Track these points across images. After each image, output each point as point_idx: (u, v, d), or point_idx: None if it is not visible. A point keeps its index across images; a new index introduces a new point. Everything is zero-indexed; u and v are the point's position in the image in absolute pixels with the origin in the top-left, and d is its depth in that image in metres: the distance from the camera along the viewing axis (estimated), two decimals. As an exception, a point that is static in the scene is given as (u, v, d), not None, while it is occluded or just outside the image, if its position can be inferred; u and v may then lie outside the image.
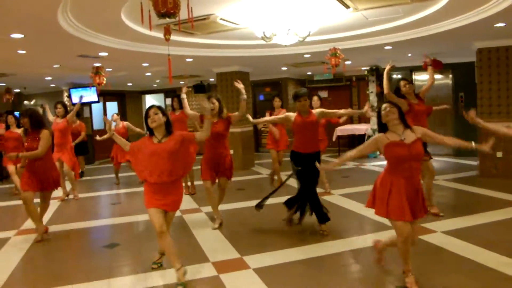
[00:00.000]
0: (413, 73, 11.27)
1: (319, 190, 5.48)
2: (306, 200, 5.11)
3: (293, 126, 4.99)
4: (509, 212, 5.53)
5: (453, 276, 3.64)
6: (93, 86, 8.61)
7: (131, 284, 3.75)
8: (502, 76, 7.81)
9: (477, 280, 3.52)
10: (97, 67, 8.03)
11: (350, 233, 4.97)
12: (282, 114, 5.82)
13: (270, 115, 7.46)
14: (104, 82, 8.19)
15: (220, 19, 5.83)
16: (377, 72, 11.56)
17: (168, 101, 15.79)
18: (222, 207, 6.42)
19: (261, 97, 14.05)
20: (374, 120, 11.51)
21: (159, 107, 3.70)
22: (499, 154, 7.81)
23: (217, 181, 5.49)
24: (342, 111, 5.33)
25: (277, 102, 7.69)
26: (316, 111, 5.10)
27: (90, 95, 12.54)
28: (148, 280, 3.79)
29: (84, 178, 10.00)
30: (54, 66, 8.68)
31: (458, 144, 3.55)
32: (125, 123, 9.08)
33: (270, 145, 7.80)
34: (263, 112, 13.82)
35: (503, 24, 6.18)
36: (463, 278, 3.58)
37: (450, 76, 10.81)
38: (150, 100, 16.06)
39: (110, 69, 9.57)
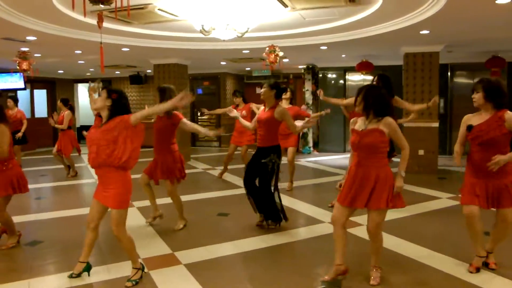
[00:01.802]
0: (347, 73, 11.73)
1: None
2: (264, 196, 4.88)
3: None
4: (428, 205, 5.98)
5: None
6: (18, 72, 8.06)
7: (53, 284, 3.57)
8: (425, 79, 8.38)
9: (399, 270, 3.76)
10: (24, 52, 7.54)
11: (283, 227, 5.09)
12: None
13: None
14: (31, 68, 7.71)
15: (158, 9, 5.69)
16: (313, 70, 11.90)
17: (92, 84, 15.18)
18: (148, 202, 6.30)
19: (199, 91, 13.93)
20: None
21: (105, 88, 3.50)
22: (421, 152, 8.38)
23: None
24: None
25: (238, 98, 7.74)
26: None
27: (15, 81, 11.75)
28: (72, 279, 3.63)
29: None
30: (-26, 48, 8.01)
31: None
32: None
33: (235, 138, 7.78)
34: (201, 105, 13.74)
35: (427, 32, 6.63)
36: (386, 268, 3.80)
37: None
38: (83, 89, 15.33)
39: (39, 55, 9.04)
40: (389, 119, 3.33)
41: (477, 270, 3.69)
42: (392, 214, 5.46)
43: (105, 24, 6.45)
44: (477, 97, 3.55)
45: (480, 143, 3.51)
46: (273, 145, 4.79)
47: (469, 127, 3.58)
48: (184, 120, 4.88)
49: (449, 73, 10.71)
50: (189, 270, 3.76)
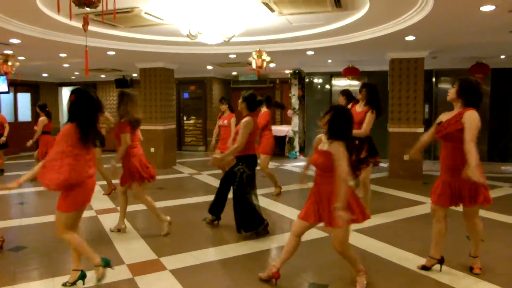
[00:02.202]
0: (333, 78, 11.81)
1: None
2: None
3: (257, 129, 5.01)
4: (413, 210, 6.02)
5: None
6: (1, 75, 7.92)
7: (37, 290, 3.51)
8: (410, 85, 8.47)
9: (384, 275, 3.77)
10: (6, 54, 7.42)
11: (270, 232, 5.08)
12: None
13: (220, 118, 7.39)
14: (13, 71, 7.58)
15: (145, 13, 5.65)
16: (299, 75, 11.95)
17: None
18: (139, 206, 6.26)
19: (186, 95, 13.88)
20: (295, 121, 11.91)
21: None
22: (406, 158, 8.45)
23: None
24: None
25: (223, 106, 7.43)
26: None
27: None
28: (56, 284, 3.57)
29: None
30: (-45, 50, 7.84)
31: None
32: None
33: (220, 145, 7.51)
34: (187, 110, 13.72)
35: (412, 38, 6.71)
36: (371, 273, 3.82)
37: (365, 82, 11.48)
38: (68, 93, 15.13)
39: (23, 58, 8.89)
40: (336, 145, 3.23)
41: (423, 268, 3.78)
42: (376, 219, 5.51)
43: (91, 28, 6.39)
44: (451, 91, 3.61)
45: (440, 138, 3.61)
46: (243, 154, 4.81)
47: (439, 123, 3.66)
48: (122, 135, 4.83)
49: (434, 79, 10.86)
50: (175, 276, 3.72)
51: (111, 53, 8.16)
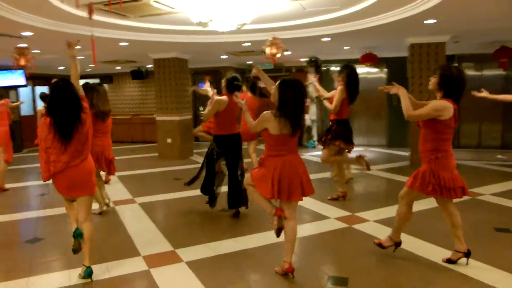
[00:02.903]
0: (350, 65, 11.55)
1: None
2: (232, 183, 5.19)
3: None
4: (433, 201, 5.80)
5: (384, 263, 3.74)
6: (17, 68, 7.94)
7: (53, 282, 3.49)
8: (432, 71, 8.15)
9: (407, 268, 3.64)
10: (21, 47, 7.42)
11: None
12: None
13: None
14: (30, 64, 7.59)
15: (154, 1, 5.55)
16: (315, 63, 11.73)
17: (104, 86, 15.07)
18: (157, 197, 6.25)
19: (201, 85, 13.76)
20: (313, 110, 11.73)
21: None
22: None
23: None
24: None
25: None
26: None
27: (17, 78, 11.67)
28: (72, 276, 3.55)
29: (10, 167, 9.25)
30: (-29, 45, 7.90)
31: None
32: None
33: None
34: (204, 100, 13.64)
35: (433, 21, 6.45)
36: (389, 266, 3.69)
37: (385, 70, 11.22)
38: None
39: (38, 51, 8.91)
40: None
41: (448, 261, 3.67)
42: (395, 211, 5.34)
43: (101, 18, 6.34)
44: (432, 82, 3.57)
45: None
46: (215, 134, 5.20)
47: None
48: None
49: (456, 65, 10.52)
50: (191, 268, 3.67)
51: (124, 43, 8.10)
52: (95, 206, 5.57)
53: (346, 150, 5.92)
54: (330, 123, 5.85)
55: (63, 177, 3.43)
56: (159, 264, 3.75)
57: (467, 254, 3.62)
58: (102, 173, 5.81)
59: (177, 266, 3.72)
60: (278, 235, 3.49)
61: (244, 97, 6.85)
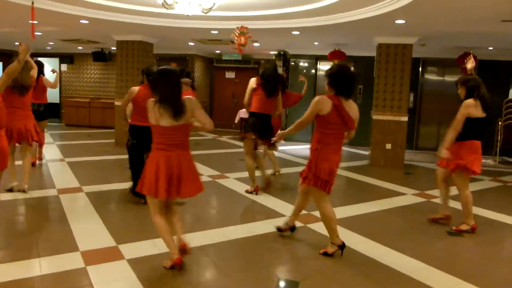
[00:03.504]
0: (318, 62, 11.47)
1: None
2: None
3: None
4: (393, 201, 5.79)
5: (339, 265, 3.61)
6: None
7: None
8: (397, 72, 8.18)
9: (355, 269, 3.52)
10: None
11: (242, 220, 4.79)
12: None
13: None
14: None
15: (115, -23, 5.20)
16: (284, 57, 11.57)
17: (64, 66, 14.38)
18: (107, 186, 5.94)
19: (167, 72, 13.38)
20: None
21: None
22: (388, 146, 8.24)
23: None
24: None
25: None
26: None
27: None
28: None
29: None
30: None
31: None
32: None
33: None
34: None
35: (402, 21, 6.39)
36: (342, 267, 3.57)
37: (352, 68, 11.18)
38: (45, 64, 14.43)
39: (-10, 23, 8.30)
40: None
41: (278, 230, 4.20)
42: (355, 209, 5.28)
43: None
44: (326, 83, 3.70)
45: None
46: (130, 124, 5.10)
47: None
48: None
49: (420, 68, 10.61)
50: (131, 266, 3.40)
51: (84, 21, 7.63)
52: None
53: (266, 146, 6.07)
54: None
55: None
56: (98, 261, 3.45)
57: (342, 247, 3.73)
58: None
59: (117, 263, 3.44)
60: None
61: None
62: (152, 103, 3.23)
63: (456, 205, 5.00)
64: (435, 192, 6.30)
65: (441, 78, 10.73)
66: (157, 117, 3.18)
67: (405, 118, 8.22)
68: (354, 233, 4.40)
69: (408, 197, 6.08)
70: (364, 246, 4.06)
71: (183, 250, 3.35)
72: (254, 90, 5.58)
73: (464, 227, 4.58)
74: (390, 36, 7.94)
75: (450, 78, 10.60)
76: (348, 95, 3.63)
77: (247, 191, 5.88)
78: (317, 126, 3.67)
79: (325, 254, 3.77)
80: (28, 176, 5.39)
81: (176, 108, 3.17)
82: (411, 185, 6.73)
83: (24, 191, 5.29)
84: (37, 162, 7.18)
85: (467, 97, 4.41)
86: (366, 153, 9.47)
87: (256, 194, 5.78)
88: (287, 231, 4.24)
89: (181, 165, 3.25)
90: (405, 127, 8.29)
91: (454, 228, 4.63)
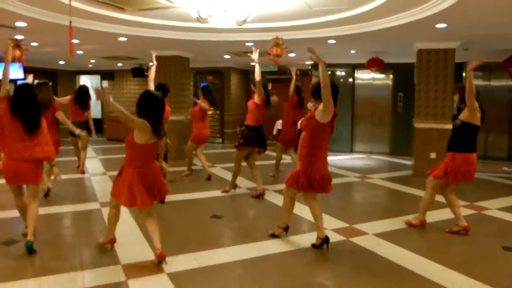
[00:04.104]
0: (356, 70, 11.26)
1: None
2: None
3: None
4: (439, 214, 5.50)
5: (378, 281, 3.44)
6: (13, 61, 7.69)
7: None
8: (439, 78, 7.88)
9: (401, 284, 3.34)
10: (14, 39, 7.18)
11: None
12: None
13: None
14: (23, 57, 7.34)
15: (152, -6, 5.30)
16: (321, 67, 11.42)
17: (105, 83, 14.87)
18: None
19: (204, 84, 13.52)
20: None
21: None
22: (433, 155, 7.91)
23: None
24: None
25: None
26: None
27: (15, 71, 11.45)
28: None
29: None
30: (-32, 35, 7.67)
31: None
32: None
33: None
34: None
35: (444, 25, 6.15)
36: (389, 284, 3.39)
37: (391, 76, 10.91)
38: (86, 81, 15.01)
39: (36, 44, 8.70)
40: None
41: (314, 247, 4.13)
42: (398, 223, 5.05)
43: (100, 11, 6.12)
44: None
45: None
46: None
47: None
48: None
49: (464, 73, 10.18)
50: (172, 281, 3.36)
51: (123, 39, 7.85)
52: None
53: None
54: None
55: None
56: (139, 275, 3.44)
57: (326, 241, 4.04)
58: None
59: (158, 277, 3.42)
60: None
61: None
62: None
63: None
64: (487, 203, 6.00)
65: (487, 82, 10.25)
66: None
67: (450, 126, 7.84)
68: (399, 247, 4.20)
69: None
70: (411, 261, 3.85)
71: (163, 259, 3.59)
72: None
73: (415, 221, 4.88)
74: (430, 41, 7.68)
75: (497, 83, 10.14)
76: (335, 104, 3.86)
77: (224, 191, 6.38)
78: (310, 138, 3.93)
79: (314, 246, 4.11)
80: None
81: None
82: (459, 196, 6.32)
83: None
84: (80, 175, 7.44)
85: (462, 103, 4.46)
86: (409, 163, 9.14)
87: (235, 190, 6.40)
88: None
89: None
90: (449, 135, 7.92)
91: (447, 230, 4.69)
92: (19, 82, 4.15)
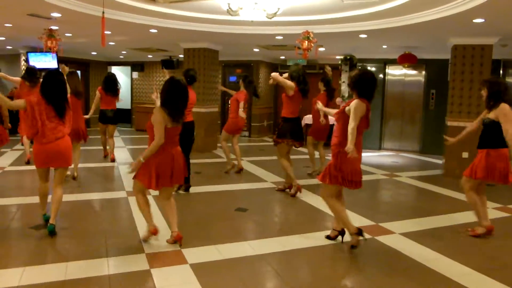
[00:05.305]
0: (387, 66, 11.01)
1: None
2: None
3: None
4: (468, 215, 5.33)
5: (402, 281, 3.36)
6: (45, 51, 7.90)
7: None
8: (475, 75, 7.60)
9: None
10: (49, 29, 7.36)
11: (307, 229, 4.64)
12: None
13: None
14: (57, 47, 7.53)
15: (183, -14, 5.31)
16: (350, 62, 11.23)
17: (135, 74, 15.09)
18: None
19: (233, 78, 13.54)
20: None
21: None
22: (465, 155, 7.66)
23: None
24: None
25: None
26: None
27: (49, 61, 11.78)
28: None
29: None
30: (6, 25, 7.91)
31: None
32: None
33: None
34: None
35: (481, 20, 5.91)
36: (414, 285, 3.30)
37: (423, 72, 10.61)
38: (116, 72, 15.19)
39: (70, 34, 8.89)
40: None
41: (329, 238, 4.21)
42: (427, 222, 4.92)
43: (132, 3, 6.19)
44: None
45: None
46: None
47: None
48: None
49: (501, 71, 9.80)
50: (194, 271, 3.38)
51: (153, 31, 7.92)
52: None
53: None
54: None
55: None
56: (162, 265, 3.49)
57: (342, 233, 4.14)
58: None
59: (180, 268, 3.45)
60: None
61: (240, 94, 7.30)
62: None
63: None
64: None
65: (524, 81, 9.85)
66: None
67: (484, 125, 7.58)
68: (426, 248, 4.09)
69: (489, 211, 5.55)
70: (438, 263, 3.74)
71: (179, 240, 3.87)
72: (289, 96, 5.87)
73: (479, 230, 4.48)
74: (466, 37, 7.40)
75: (535, 81, 9.72)
76: (370, 98, 3.83)
77: (291, 195, 5.96)
78: (343, 128, 3.81)
79: (328, 237, 4.21)
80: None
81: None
82: (492, 198, 6.10)
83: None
84: (109, 164, 7.69)
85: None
86: (439, 162, 8.90)
87: (295, 193, 5.92)
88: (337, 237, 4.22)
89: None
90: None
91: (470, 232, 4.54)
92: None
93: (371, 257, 3.88)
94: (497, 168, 4.25)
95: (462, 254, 3.97)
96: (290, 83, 5.80)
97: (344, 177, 3.81)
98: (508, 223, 5.07)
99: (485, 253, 4.11)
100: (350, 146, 3.59)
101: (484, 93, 4.38)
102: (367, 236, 4.22)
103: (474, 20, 5.94)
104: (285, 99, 5.94)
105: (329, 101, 7.34)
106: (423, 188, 6.90)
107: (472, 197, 4.46)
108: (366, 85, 3.79)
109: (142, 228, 4.37)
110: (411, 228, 4.68)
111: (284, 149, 5.95)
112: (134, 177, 3.93)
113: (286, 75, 6.04)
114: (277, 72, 13.71)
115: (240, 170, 7.42)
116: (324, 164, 7.29)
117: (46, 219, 4.26)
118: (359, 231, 3.89)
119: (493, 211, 5.50)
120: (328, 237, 4.22)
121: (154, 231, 3.90)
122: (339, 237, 4.19)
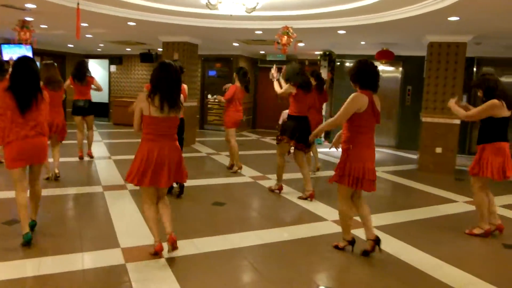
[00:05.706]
0: (366, 62, 11.12)
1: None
2: None
3: None
4: (442, 209, 5.48)
5: (382, 276, 3.44)
6: (18, 42, 7.69)
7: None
8: (449, 72, 7.78)
9: (401, 282, 3.33)
10: (24, 20, 7.18)
11: (282, 223, 4.69)
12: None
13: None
14: (31, 38, 7.35)
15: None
16: (329, 57, 11.35)
17: (113, 67, 14.88)
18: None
19: (212, 73, 13.49)
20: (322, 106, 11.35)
21: None
22: (438, 150, 7.85)
23: None
24: None
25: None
26: None
27: (24, 53, 11.49)
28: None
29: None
30: (-22, 16, 7.68)
31: None
32: None
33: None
34: (212, 89, 13.37)
35: (457, 18, 6.04)
36: (387, 278, 3.38)
37: (400, 69, 10.78)
38: (94, 65, 15.02)
39: (45, 26, 8.69)
40: None
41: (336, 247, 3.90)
42: (401, 216, 5.04)
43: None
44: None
45: None
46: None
47: None
48: None
49: (474, 68, 10.04)
50: (170, 265, 3.39)
51: (132, 23, 7.81)
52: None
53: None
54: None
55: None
56: (137, 259, 3.47)
57: (352, 243, 3.83)
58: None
59: (156, 262, 3.45)
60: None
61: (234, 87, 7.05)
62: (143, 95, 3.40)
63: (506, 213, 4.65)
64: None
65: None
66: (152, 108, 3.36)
67: (458, 121, 7.78)
68: (398, 240, 4.19)
69: (459, 204, 5.73)
70: (408, 255, 3.84)
71: (173, 244, 3.51)
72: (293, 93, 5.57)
73: (477, 230, 4.45)
74: (442, 35, 7.56)
75: (509, 79, 9.97)
76: (375, 88, 3.58)
77: (270, 189, 5.96)
78: (349, 125, 3.58)
79: (336, 247, 3.89)
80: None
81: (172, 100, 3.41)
82: (463, 192, 6.33)
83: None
84: (86, 158, 7.59)
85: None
86: (414, 157, 9.09)
87: (279, 192, 5.87)
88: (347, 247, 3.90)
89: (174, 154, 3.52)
90: (457, 130, 7.86)
91: (467, 231, 4.52)
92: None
93: (347, 251, 3.95)
94: (496, 164, 4.20)
95: (431, 246, 4.07)
96: (286, 88, 5.60)
97: (353, 175, 3.51)
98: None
99: (457, 244, 4.23)
100: (317, 132, 3.77)
101: (480, 94, 4.44)
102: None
103: (449, 18, 6.06)
104: (290, 97, 5.65)
105: (319, 95, 7.31)
106: (398, 182, 7.04)
107: (482, 199, 4.40)
108: (368, 74, 3.52)
109: (117, 222, 4.35)
110: (386, 221, 4.78)
111: (285, 147, 5.67)
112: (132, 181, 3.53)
113: (282, 79, 5.97)
114: (258, 66, 13.64)
115: (231, 166, 7.31)
116: (318, 160, 7.47)
117: (32, 225, 3.92)
118: (352, 242, 3.82)
119: (464, 205, 5.67)
120: (365, 252, 3.76)
121: (158, 249, 3.49)
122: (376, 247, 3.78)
